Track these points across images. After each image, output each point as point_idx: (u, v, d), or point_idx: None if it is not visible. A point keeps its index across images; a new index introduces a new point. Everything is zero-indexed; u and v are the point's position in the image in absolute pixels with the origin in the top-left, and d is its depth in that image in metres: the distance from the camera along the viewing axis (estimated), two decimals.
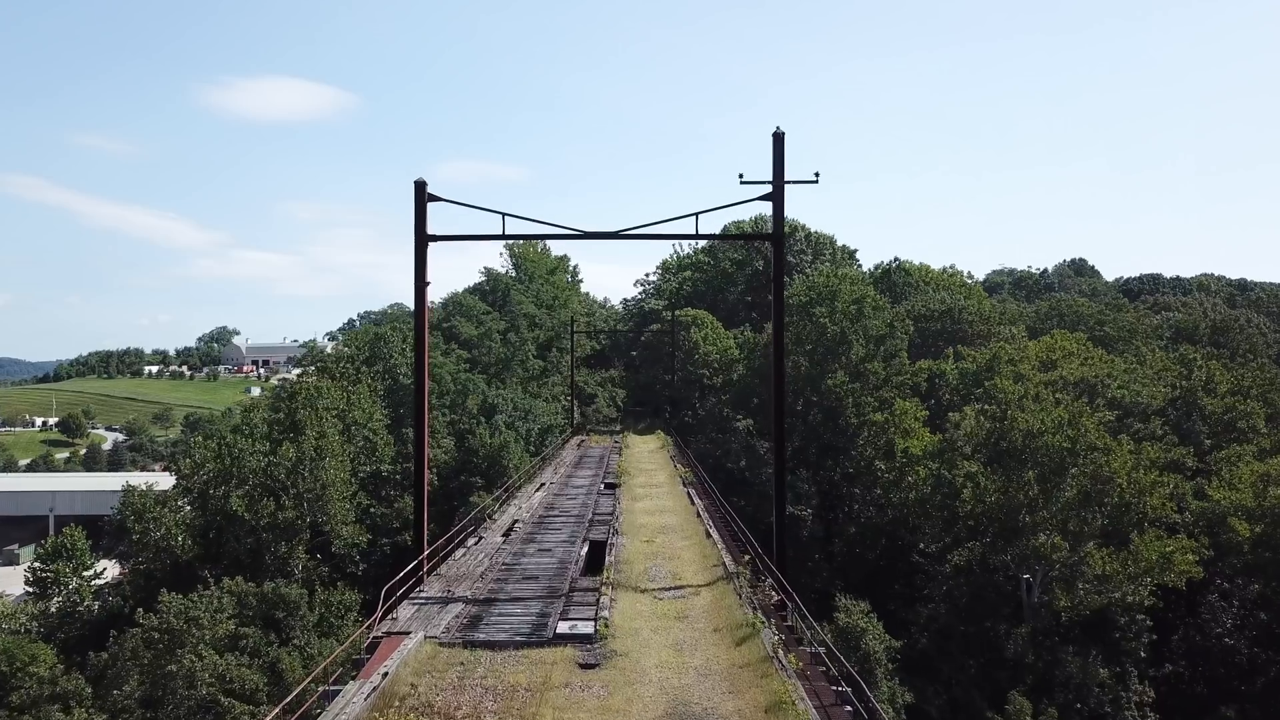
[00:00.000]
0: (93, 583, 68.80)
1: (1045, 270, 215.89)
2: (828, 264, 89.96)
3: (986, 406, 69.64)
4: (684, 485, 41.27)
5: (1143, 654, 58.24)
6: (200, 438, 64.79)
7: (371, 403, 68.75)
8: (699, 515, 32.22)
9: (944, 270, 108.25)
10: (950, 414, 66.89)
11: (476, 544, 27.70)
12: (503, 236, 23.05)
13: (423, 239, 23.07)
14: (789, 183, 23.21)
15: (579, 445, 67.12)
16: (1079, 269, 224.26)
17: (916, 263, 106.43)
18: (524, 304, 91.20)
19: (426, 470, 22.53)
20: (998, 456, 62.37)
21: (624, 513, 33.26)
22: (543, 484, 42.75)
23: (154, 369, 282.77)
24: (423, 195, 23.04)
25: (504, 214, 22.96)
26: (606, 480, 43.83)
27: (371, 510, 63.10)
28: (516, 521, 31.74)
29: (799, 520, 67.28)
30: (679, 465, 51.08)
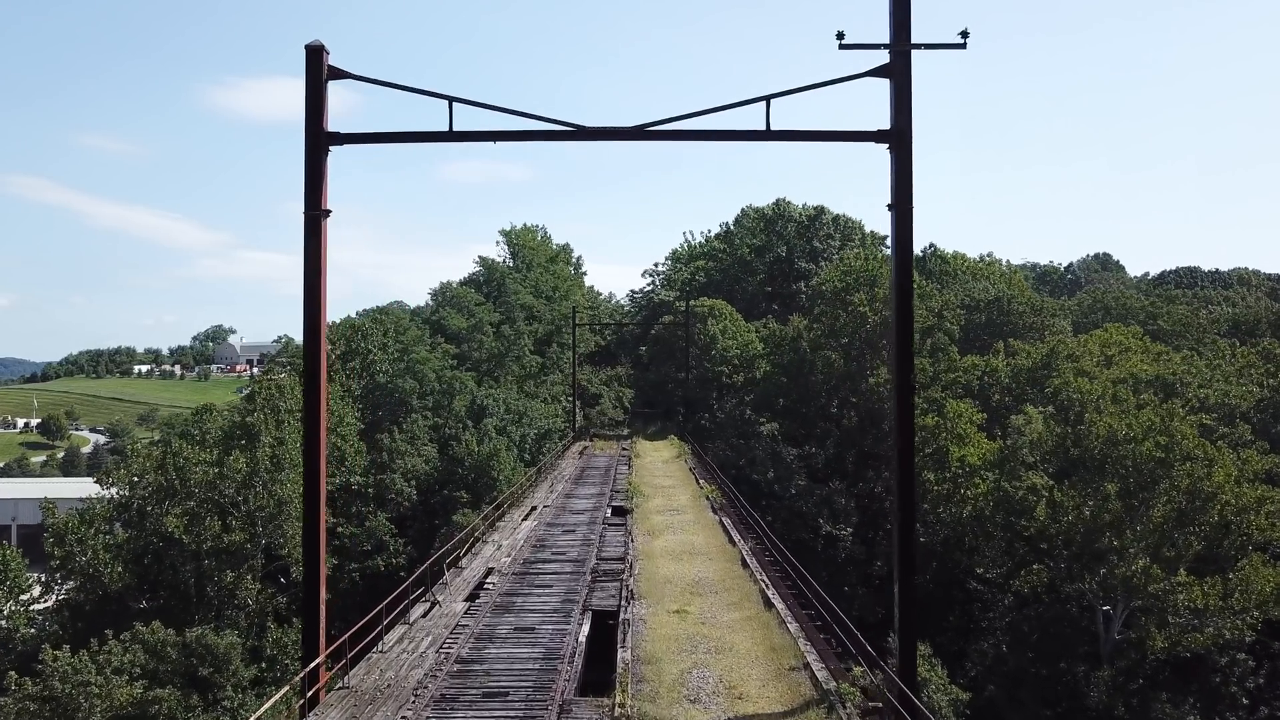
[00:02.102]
0: (31, 607, 60.18)
1: (1071, 265, 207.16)
2: (857, 250, 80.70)
3: (1043, 409, 60.98)
4: (714, 511, 32.16)
5: (1244, 700, 49.53)
6: (139, 444, 56.26)
7: (344, 404, 59.72)
8: (744, 561, 23.09)
9: (981, 259, 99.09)
10: (1012, 416, 57.84)
11: (426, 616, 18.60)
12: (450, 136, 13.98)
13: (319, 140, 14.02)
14: (917, 47, 13.94)
15: (581, 453, 58.07)
16: (1104, 263, 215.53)
17: (949, 251, 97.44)
18: (520, 294, 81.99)
19: (324, 516, 13.35)
20: (1070, 467, 53.62)
21: (640, 556, 24.15)
22: (534, 508, 33.65)
23: (144, 368, 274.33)
24: (319, 69, 13.94)
25: (451, 99, 13.91)
26: (614, 503, 34.76)
27: (339, 530, 54.13)
28: (491, 572, 22.63)
29: (836, 540, 58.17)
30: (702, 480, 42.00)
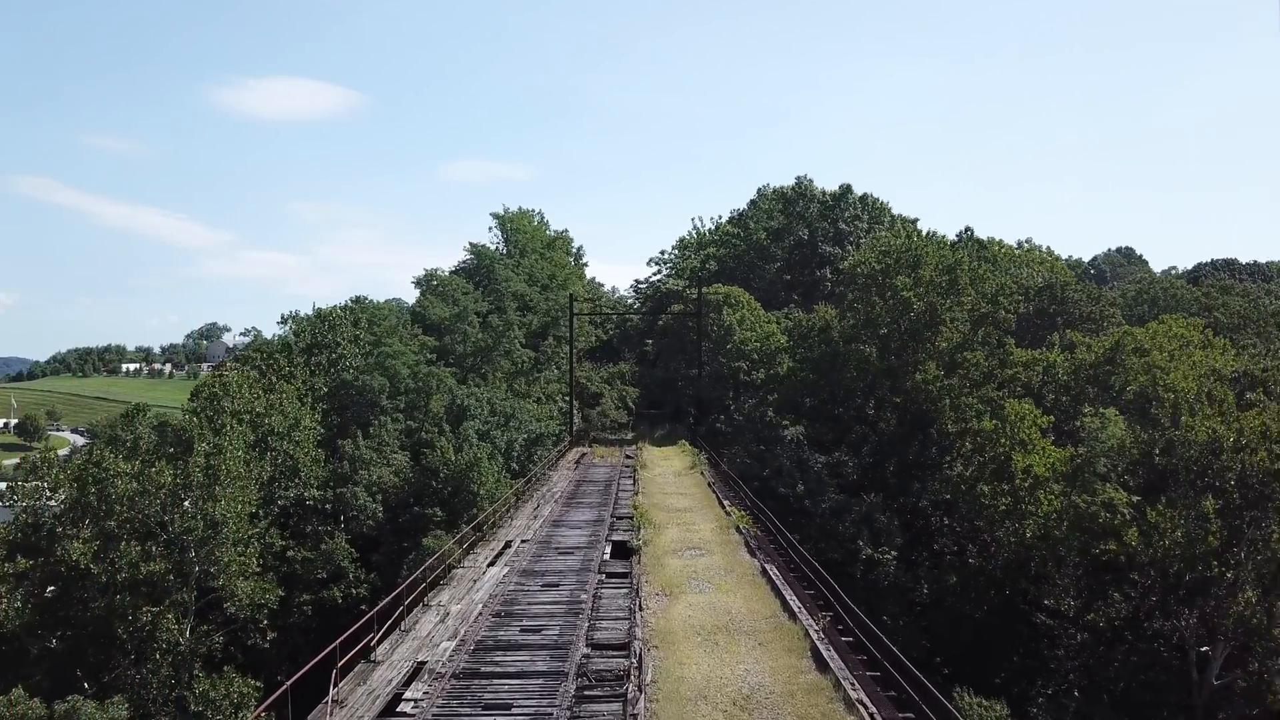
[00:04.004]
0: None
1: (1095, 258, 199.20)
2: (886, 234, 71.94)
3: (1109, 409, 52.70)
4: (749, 550, 23.53)
5: None
6: (50, 454, 48.05)
7: (301, 405, 51.15)
8: (816, 653, 14.41)
9: (1020, 245, 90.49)
10: (1086, 419, 49.20)
11: None
12: None
13: None
14: None
15: (577, 462, 49.53)
16: (1128, 257, 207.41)
17: (984, 237, 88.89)
18: (512, 281, 73.21)
19: None
20: (1159, 480, 45.20)
21: (653, 638, 15.54)
22: (508, 543, 25.00)
23: (133, 367, 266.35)
24: None
25: None
26: (615, 535, 26.16)
27: (289, 554, 45.64)
28: (419, 672, 14.03)
29: (877, 565, 49.50)
30: (725, 502, 33.38)
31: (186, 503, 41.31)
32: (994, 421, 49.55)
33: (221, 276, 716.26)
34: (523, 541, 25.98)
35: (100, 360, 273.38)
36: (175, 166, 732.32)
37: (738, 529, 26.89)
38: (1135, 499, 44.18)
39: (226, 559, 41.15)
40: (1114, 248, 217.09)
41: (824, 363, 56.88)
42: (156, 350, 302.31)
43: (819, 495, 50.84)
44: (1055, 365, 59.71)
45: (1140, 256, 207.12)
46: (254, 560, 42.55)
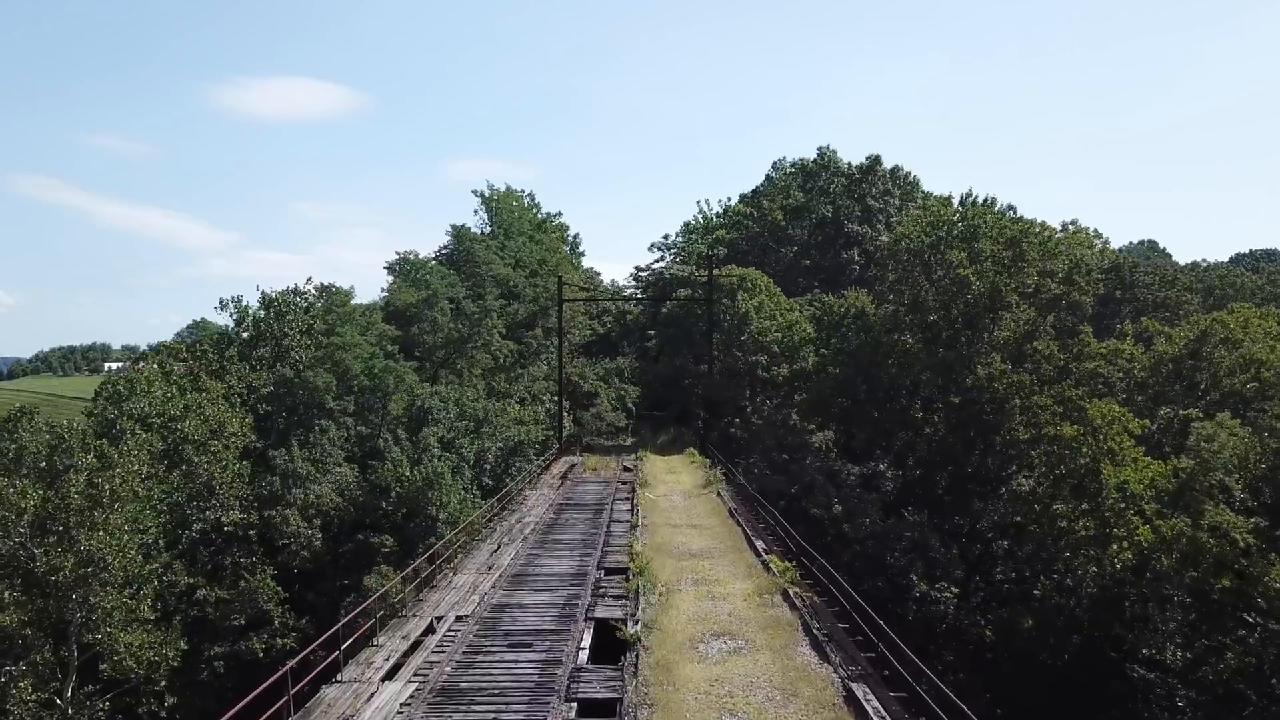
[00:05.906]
0: None
1: (1120, 250, 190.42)
2: (933, 203, 62.50)
3: (1203, 413, 44.02)
4: (814, 642, 14.31)
5: None
6: None
7: (230, 408, 41.86)
8: None
9: (1065, 227, 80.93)
10: (1194, 425, 39.93)
11: None
12: None
13: None
14: None
15: (564, 477, 40.21)
16: (1152, 249, 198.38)
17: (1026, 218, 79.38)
18: (494, 264, 63.86)
19: None
20: None
21: None
22: (433, 625, 15.63)
23: (116, 365, 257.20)
24: None
25: None
26: (600, 609, 16.95)
27: (198, 594, 36.33)
28: None
29: (931, 602, 40.18)
30: (758, 541, 24.01)
31: (83, 531, 32.15)
32: (1075, 427, 40.23)
33: (225, 276, 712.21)
34: (458, 619, 16.75)
35: (84, 358, 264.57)
36: (178, 166, 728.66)
37: (787, 595, 17.69)
38: (1257, 522, 35.13)
39: (109, 604, 32.09)
40: (1135, 241, 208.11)
41: (859, 356, 47.58)
42: (144, 349, 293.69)
43: (859, 516, 41.52)
44: (1134, 359, 50.58)
45: (1164, 250, 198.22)
46: (146, 605, 33.52)
